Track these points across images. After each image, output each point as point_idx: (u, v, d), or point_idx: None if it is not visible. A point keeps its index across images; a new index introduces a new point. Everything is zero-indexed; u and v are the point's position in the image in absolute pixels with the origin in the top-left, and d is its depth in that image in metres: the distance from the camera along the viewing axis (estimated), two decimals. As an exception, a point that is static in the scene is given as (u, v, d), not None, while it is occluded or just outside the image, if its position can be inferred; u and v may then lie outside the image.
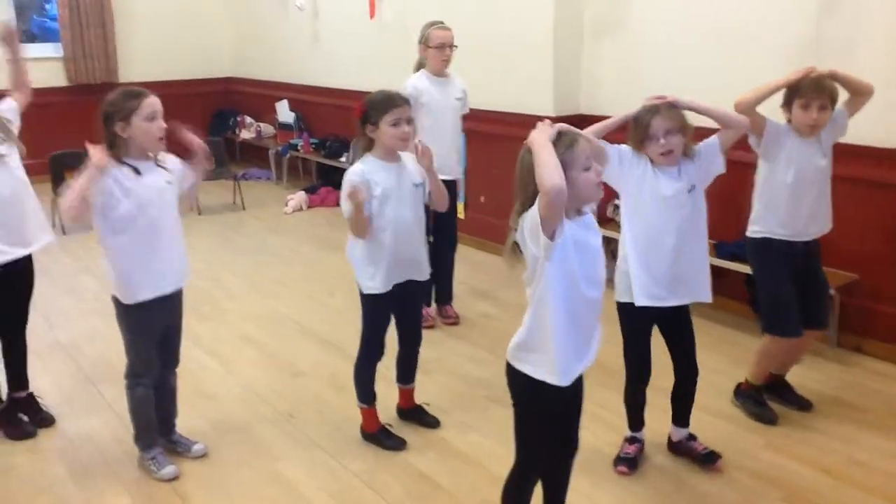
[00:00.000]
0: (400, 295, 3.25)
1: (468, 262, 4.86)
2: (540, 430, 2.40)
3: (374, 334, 3.30)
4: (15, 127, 3.42)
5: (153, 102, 2.98)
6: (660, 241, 2.94)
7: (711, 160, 2.98)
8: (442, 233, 4.62)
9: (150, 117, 2.95)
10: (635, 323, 3.06)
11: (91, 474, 3.21)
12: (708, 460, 3.18)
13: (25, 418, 3.57)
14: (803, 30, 4.23)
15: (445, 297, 4.76)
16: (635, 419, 3.21)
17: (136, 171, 2.97)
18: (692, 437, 3.25)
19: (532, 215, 2.15)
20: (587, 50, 5.49)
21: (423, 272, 3.30)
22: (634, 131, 2.92)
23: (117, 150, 2.97)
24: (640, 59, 5.09)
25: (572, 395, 2.38)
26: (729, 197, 4.64)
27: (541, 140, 2.16)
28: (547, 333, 2.26)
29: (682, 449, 3.24)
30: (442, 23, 4.47)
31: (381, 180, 3.11)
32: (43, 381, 3.99)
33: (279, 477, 3.18)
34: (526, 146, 2.22)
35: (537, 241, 2.15)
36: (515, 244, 2.27)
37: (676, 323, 3.09)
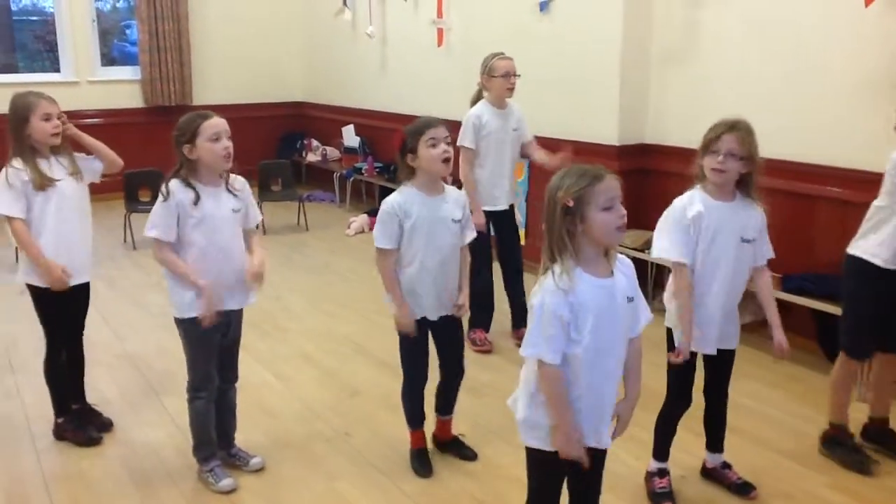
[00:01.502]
0: (438, 326, 3.25)
1: (528, 288, 4.86)
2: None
3: (412, 363, 3.29)
4: (88, 175, 3.52)
5: (217, 123, 3.02)
6: (711, 288, 2.90)
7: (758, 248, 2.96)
8: (507, 259, 4.66)
9: (213, 137, 3.00)
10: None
11: (151, 483, 3.28)
12: (742, 490, 3.11)
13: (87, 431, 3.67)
14: (875, 62, 4.15)
15: (521, 321, 4.77)
16: (664, 449, 3.13)
17: (198, 197, 3.03)
18: (727, 465, 3.18)
19: (539, 313, 2.14)
20: (654, 79, 5.46)
21: (453, 307, 3.25)
22: (703, 139, 2.87)
23: (187, 172, 3.04)
24: (709, 89, 5.04)
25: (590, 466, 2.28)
26: (796, 229, 4.57)
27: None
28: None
29: (716, 476, 3.18)
30: (503, 53, 4.51)
31: (415, 212, 3.07)
32: (110, 391, 4.12)
33: (334, 494, 3.20)
34: (552, 182, 2.18)
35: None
36: None
37: (721, 359, 3.03)
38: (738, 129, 2.80)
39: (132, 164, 7.58)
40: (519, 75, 4.49)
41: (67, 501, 3.17)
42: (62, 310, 3.49)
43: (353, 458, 3.47)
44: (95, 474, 3.36)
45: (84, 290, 3.57)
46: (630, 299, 2.21)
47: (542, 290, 2.14)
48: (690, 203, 2.86)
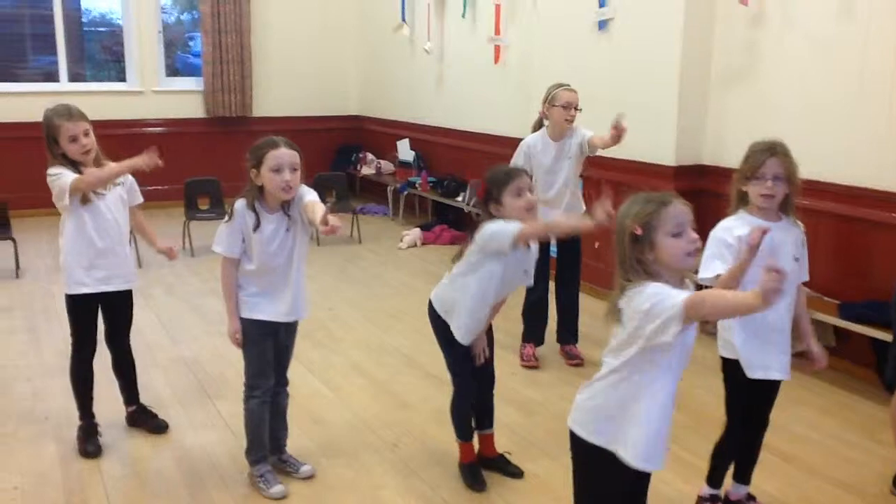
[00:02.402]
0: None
1: (581, 308, 4.85)
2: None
3: (462, 374, 3.33)
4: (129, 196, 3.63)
5: (280, 154, 3.02)
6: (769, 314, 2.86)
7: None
8: (564, 275, 4.66)
9: (274, 168, 3.02)
10: (742, 377, 2.90)
11: (204, 485, 3.35)
12: None
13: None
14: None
15: (571, 336, 4.77)
16: (720, 476, 3.07)
17: (258, 222, 3.09)
18: (751, 498, 3.13)
19: (658, 294, 2.05)
20: (713, 99, 5.42)
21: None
22: (743, 164, 2.85)
23: (254, 195, 3.10)
24: (769, 110, 4.98)
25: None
26: (856, 255, 4.49)
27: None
28: (636, 417, 2.16)
29: None
30: (568, 85, 4.51)
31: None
32: (165, 393, 4.23)
33: (379, 503, 3.24)
34: (620, 210, 2.17)
35: (662, 326, 2.02)
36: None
37: (769, 386, 2.97)
38: (780, 152, 2.79)
39: (192, 172, 7.84)
40: (580, 109, 4.47)
41: (123, 501, 3.25)
42: (94, 319, 3.59)
43: (400, 469, 3.50)
44: (150, 475, 3.45)
45: (124, 297, 3.65)
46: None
47: (654, 292, 2.08)
48: (740, 225, 2.82)
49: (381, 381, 4.48)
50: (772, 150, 2.79)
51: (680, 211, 2.12)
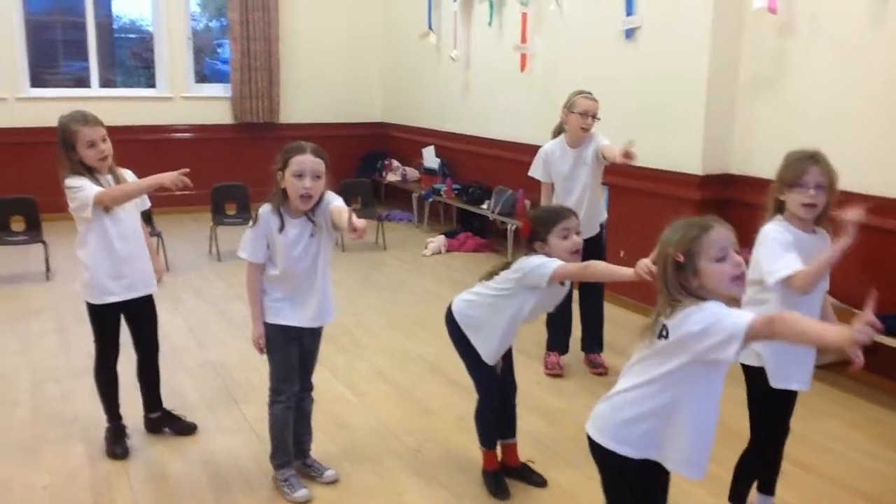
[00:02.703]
0: None
1: (605, 317, 4.84)
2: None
3: (488, 382, 3.34)
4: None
5: (303, 161, 3.03)
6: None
7: None
8: (588, 284, 4.67)
9: (297, 174, 3.03)
10: (766, 385, 2.87)
11: (229, 489, 3.38)
12: None
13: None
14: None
15: (595, 345, 4.76)
16: (743, 493, 3.04)
17: (282, 225, 3.11)
18: None
19: (717, 313, 2.01)
20: (741, 108, 5.38)
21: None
22: (783, 173, 2.79)
23: (280, 199, 3.12)
24: (797, 119, 4.94)
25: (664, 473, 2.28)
26: (884, 267, 4.43)
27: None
28: (683, 426, 2.14)
29: None
30: (590, 93, 4.50)
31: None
32: (192, 397, 4.27)
33: (404, 510, 3.26)
34: (662, 237, 2.14)
35: (720, 343, 1.98)
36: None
37: (792, 395, 2.94)
38: (821, 161, 2.75)
39: (220, 178, 7.91)
40: (598, 118, 4.46)
41: (153, 502, 3.29)
42: (118, 326, 3.62)
43: (422, 475, 3.51)
44: (176, 478, 3.48)
45: (146, 302, 3.68)
46: None
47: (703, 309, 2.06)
48: (786, 230, 2.79)
49: (404, 388, 4.49)
50: (814, 159, 2.74)
51: (722, 235, 2.09)
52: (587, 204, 4.54)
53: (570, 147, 4.52)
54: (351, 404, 4.26)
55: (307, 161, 3.04)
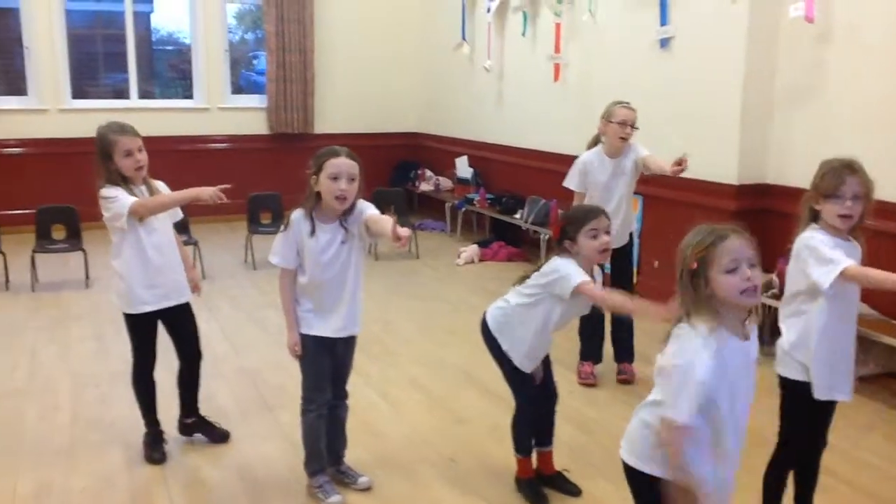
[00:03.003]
0: None
1: (636, 328, 4.81)
2: None
3: (525, 389, 3.35)
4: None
5: (339, 163, 3.05)
6: (845, 328, 2.80)
7: None
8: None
9: (332, 176, 3.05)
10: (809, 398, 2.82)
11: (264, 495, 3.41)
12: None
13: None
14: None
15: (626, 355, 4.74)
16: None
17: (312, 231, 3.13)
18: None
19: (694, 356, 2.02)
20: (778, 117, 5.34)
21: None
22: (820, 182, 2.75)
23: (312, 204, 3.14)
24: (835, 129, 4.89)
25: None
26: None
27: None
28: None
29: None
30: (628, 103, 4.48)
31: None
32: (227, 402, 4.32)
33: (437, 519, 3.26)
34: (683, 241, 2.12)
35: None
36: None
37: (832, 405, 2.90)
38: (858, 170, 2.72)
39: (255, 187, 7.99)
40: (637, 128, 4.44)
41: (187, 506, 3.34)
42: (155, 334, 3.66)
43: (457, 483, 3.51)
44: (213, 483, 3.52)
45: (182, 310, 3.71)
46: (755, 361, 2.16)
47: (687, 351, 2.06)
48: (826, 236, 2.77)
49: (438, 396, 4.50)
50: (851, 168, 2.71)
51: (736, 246, 2.05)
52: (623, 214, 4.53)
53: (609, 157, 4.51)
54: (384, 412, 4.27)
55: (343, 164, 3.07)
